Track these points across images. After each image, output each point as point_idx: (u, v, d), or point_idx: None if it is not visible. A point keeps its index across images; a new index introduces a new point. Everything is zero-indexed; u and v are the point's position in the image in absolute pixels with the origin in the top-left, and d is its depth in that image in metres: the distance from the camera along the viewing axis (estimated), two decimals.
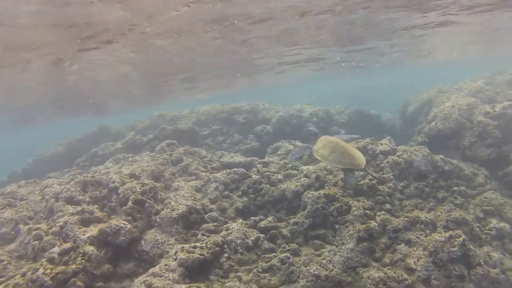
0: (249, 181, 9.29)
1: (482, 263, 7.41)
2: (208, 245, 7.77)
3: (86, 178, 9.79)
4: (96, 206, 9.10)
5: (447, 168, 9.49)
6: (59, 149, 16.68)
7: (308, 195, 8.49)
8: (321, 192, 8.50)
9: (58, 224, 8.62)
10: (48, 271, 7.55)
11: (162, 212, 8.43)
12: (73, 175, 12.27)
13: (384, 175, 9.16)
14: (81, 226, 8.55)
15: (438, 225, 8.23)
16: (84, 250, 7.82)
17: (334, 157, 7.59)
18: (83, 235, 8.23)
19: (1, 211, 9.70)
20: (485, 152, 10.32)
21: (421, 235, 8.06)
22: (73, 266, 7.60)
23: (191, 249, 7.63)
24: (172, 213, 8.33)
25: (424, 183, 9.19)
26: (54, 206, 9.33)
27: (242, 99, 17.18)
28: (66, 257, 7.92)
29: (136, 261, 7.96)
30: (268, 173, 9.42)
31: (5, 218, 9.44)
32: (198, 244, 7.78)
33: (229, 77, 23.59)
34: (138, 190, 8.83)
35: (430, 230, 8.13)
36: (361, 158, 7.63)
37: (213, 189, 9.21)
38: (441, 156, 9.66)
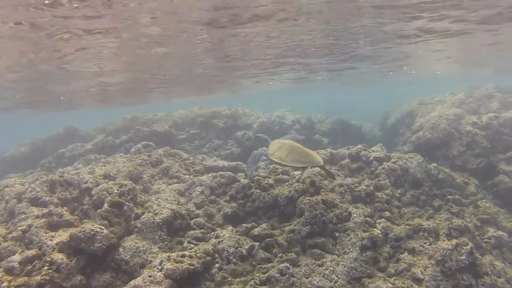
0: (238, 185, 8.19)
1: (489, 272, 6.75)
2: (198, 254, 6.59)
3: (54, 178, 8.30)
4: (65, 208, 7.66)
5: (440, 176, 8.87)
6: (21, 149, 14.73)
7: (304, 201, 7.50)
8: (319, 198, 7.54)
9: (20, 228, 7.12)
10: (5, 284, 6.09)
11: (143, 216, 7.15)
12: (37, 176, 10.63)
13: (381, 182, 8.36)
14: (48, 231, 7.09)
15: (441, 233, 7.51)
16: (52, 258, 6.41)
17: (292, 157, 7.20)
18: (51, 240, 6.79)
19: None
20: (474, 162, 9.82)
21: (425, 243, 7.30)
22: (38, 278, 6.16)
23: (179, 258, 6.41)
24: (155, 218, 7.06)
25: (420, 191, 8.52)
26: (15, 207, 7.78)
27: (218, 105, 16.13)
28: (29, 267, 6.47)
29: (113, 271, 6.61)
30: (257, 177, 8.34)
31: None
32: (186, 252, 6.57)
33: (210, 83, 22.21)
34: (115, 191, 7.49)
35: (433, 238, 7.38)
36: (317, 156, 7.30)
37: (198, 193, 8.02)
38: (434, 164, 9.06)
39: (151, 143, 10.19)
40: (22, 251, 6.79)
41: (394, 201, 8.18)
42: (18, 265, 6.50)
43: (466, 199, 8.71)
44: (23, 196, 7.95)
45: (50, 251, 6.58)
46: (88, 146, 12.25)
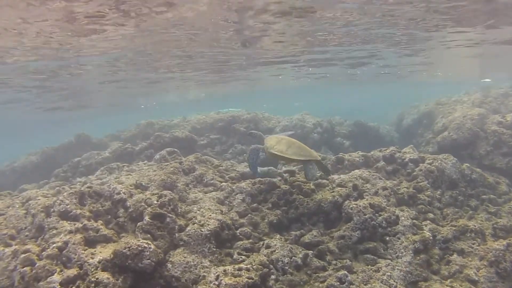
0: (279, 191, 7.63)
1: None
2: (254, 266, 6.01)
3: (82, 189, 7.55)
4: (100, 222, 6.93)
5: (473, 176, 8.55)
6: (32, 158, 13.65)
7: (351, 206, 7.04)
8: (365, 202, 7.09)
9: (54, 245, 6.37)
10: None
11: (188, 228, 6.52)
12: (54, 187, 9.76)
13: (420, 184, 7.98)
14: (86, 247, 6.38)
15: (486, 234, 7.19)
16: (97, 278, 5.71)
17: (293, 151, 7.20)
18: (92, 258, 6.10)
19: None
20: (502, 161, 9.58)
21: (473, 244, 6.94)
22: None
23: (237, 272, 5.83)
24: (202, 230, 6.45)
25: (457, 192, 8.17)
26: (44, 222, 7.01)
27: (228, 105, 15.48)
28: None
29: None
30: (298, 182, 7.82)
31: None
32: (243, 265, 5.98)
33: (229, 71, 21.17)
34: (155, 202, 6.83)
35: (480, 239, 7.04)
36: (314, 152, 7.36)
37: (240, 201, 7.42)
38: (467, 164, 8.74)
39: (176, 150, 9.50)
40: (61, 271, 6.06)
41: (435, 202, 7.81)
42: (59, 286, 5.78)
43: (500, 198, 8.41)
44: (52, 209, 7.18)
45: (92, 270, 5.90)
46: (106, 154, 11.40)
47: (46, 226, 6.95)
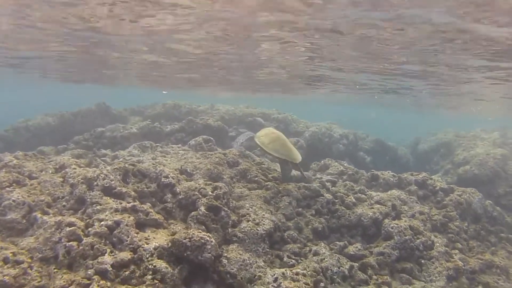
0: (323, 199, 7.39)
1: None
2: (309, 272, 5.76)
3: (126, 166, 6.95)
4: (148, 204, 6.40)
5: (494, 214, 8.68)
6: (49, 120, 12.44)
7: (391, 225, 6.94)
8: (405, 223, 7.01)
9: (103, 223, 5.78)
10: None
11: (244, 225, 6.15)
12: (78, 155, 8.96)
13: (450, 213, 8.00)
14: (138, 230, 5.85)
15: (510, 272, 7.34)
16: (155, 266, 5.29)
17: (273, 146, 7.25)
18: (146, 244, 5.60)
19: (8, 189, 6.38)
20: None
21: (498, 280, 7.03)
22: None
23: (295, 276, 5.56)
24: (258, 229, 6.11)
25: (480, 226, 8.28)
26: (86, 195, 6.38)
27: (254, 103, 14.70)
28: (126, 272, 5.25)
29: (214, 284, 5.57)
30: (340, 193, 7.62)
31: (14, 200, 6.18)
32: (299, 270, 5.72)
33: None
34: (210, 193, 6.40)
35: (505, 276, 7.17)
36: (297, 154, 7.43)
37: (286, 203, 7.11)
38: (490, 201, 8.89)
39: (211, 138, 8.98)
40: (112, 252, 5.52)
41: (462, 233, 7.87)
42: (111, 269, 5.26)
43: None
44: (94, 183, 6.53)
45: (148, 256, 5.42)
46: (133, 130, 10.59)
47: (88, 199, 6.32)
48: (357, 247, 6.70)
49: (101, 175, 6.63)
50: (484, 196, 10.00)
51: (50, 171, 7.17)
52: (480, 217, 8.43)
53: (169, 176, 6.79)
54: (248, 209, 6.57)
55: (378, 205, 7.54)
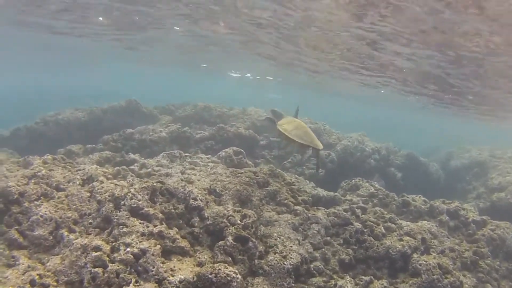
0: (352, 229, 6.98)
1: None
2: None
3: (155, 185, 6.66)
4: (175, 229, 6.12)
5: None
6: (79, 115, 12.27)
7: (420, 261, 6.50)
8: (435, 261, 6.56)
9: (129, 251, 5.55)
10: None
11: (271, 258, 5.83)
12: (104, 157, 8.74)
13: (482, 250, 7.48)
14: (163, 259, 5.60)
15: None
16: None
17: (297, 133, 7.10)
18: (172, 276, 5.36)
19: (36, 203, 6.21)
20: None
21: None
22: None
23: None
24: (285, 263, 5.78)
25: None
26: (113, 215, 6.15)
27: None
28: None
29: None
30: (370, 222, 7.19)
31: (41, 216, 6.02)
32: None
33: None
34: (239, 222, 6.06)
35: None
36: (319, 142, 7.22)
37: (315, 232, 6.74)
38: None
39: (242, 151, 8.59)
40: (137, 282, 5.31)
41: (493, 272, 7.37)
42: None
43: None
44: (122, 202, 6.28)
45: None
46: (162, 134, 10.27)
47: (115, 220, 6.09)
48: (383, 284, 6.31)
49: (128, 194, 6.37)
50: None
51: (78, 182, 6.96)
52: None
53: (198, 198, 6.49)
54: (276, 239, 6.24)
55: (408, 237, 7.08)
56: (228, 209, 6.32)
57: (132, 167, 7.93)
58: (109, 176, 7.41)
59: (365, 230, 7.08)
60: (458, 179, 13.89)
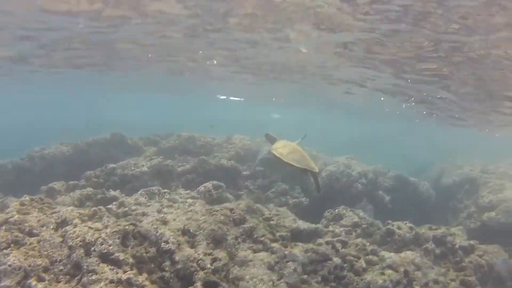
0: (330, 265, 6.77)
1: None
2: None
3: (126, 227, 6.54)
4: (145, 276, 5.97)
5: None
6: (63, 149, 12.29)
7: None
8: None
9: None
10: None
11: None
12: (85, 195, 8.69)
13: (469, 278, 7.20)
14: None
15: None
16: None
17: (293, 157, 7.08)
18: None
19: (5, 251, 6.12)
20: None
21: None
22: None
23: None
24: None
25: None
26: (83, 261, 6.02)
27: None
28: None
29: None
30: (350, 257, 6.97)
31: (10, 265, 5.91)
32: None
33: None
34: (209, 266, 5.92)
35: None
36: (315, 164, 7.33)
37: (291, 270, 6.54)
38: None
39: (222, 184, 8.50)
40: None
41: None
42: None
43: None
44: (92, 248, 6.17)
45: None
46: (144, 168, 10.24)
47: (85, 267, 5.97)
48: None
49: (99, 239, 6.26)
50: (508, 246, 9.02)
51: (52, 226, 6.87)
52: (504, 280, 7.56)
53: (169, 241, 6.35)
54: (248, 282, 6.05)
55: (390, 271, 6.85)
56: (199, 252, 6.17)
57: (110, 206, 7.84)
58: (85, 218, 7.32)
59: (345, 265, 6.87)
60: (450, 196, 13.50)
